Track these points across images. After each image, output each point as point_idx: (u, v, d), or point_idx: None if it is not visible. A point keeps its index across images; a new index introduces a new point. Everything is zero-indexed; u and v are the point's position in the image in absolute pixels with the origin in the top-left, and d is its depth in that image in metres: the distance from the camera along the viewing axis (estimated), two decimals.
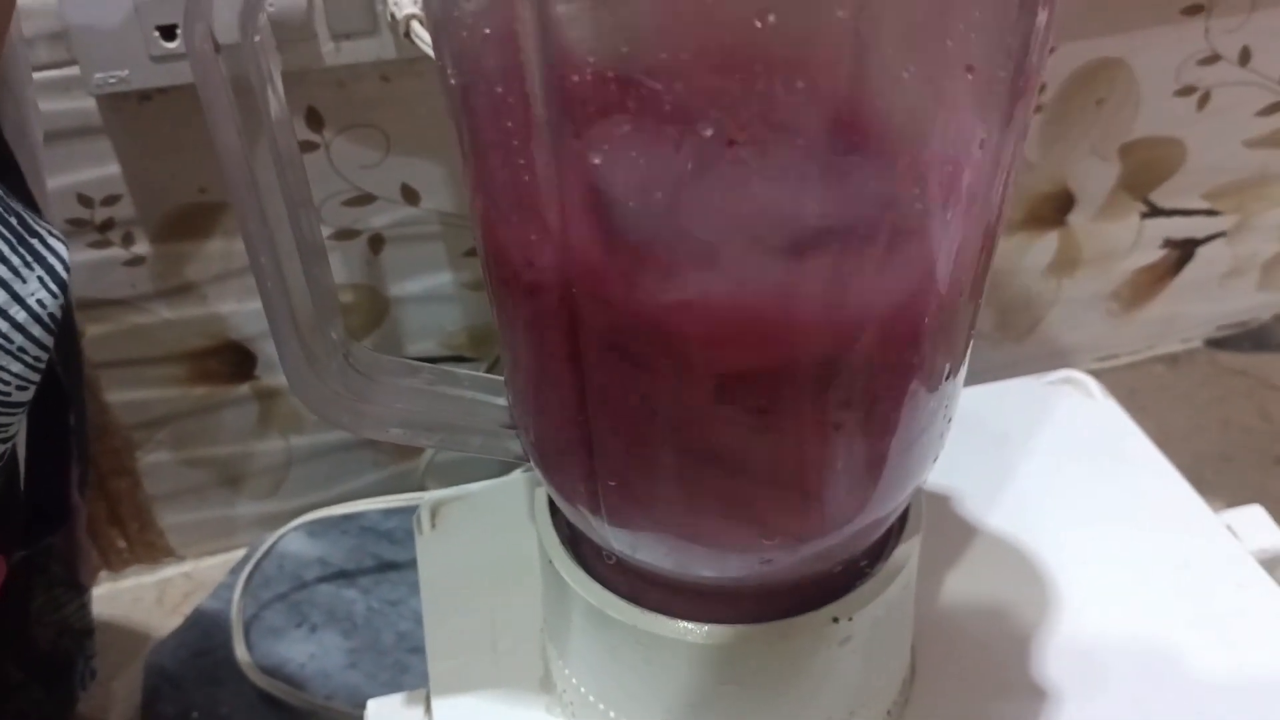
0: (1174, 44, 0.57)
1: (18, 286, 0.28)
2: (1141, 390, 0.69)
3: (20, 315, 0.28)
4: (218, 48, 0.25)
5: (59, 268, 0.29)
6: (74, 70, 0.45)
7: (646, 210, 0.21)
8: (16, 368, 0.28)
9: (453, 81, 0.24)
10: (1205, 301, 0.69)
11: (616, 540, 0.29)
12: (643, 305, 0.23)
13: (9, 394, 0.29)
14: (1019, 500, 0.42)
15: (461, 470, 0.62)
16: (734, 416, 0.24)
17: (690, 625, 0.30)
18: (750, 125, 0.20)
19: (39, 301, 0.29)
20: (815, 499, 0.27)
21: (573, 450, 0.28)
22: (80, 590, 0.46)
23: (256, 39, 0.25)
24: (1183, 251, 0.66)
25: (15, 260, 0.28)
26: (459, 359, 0.58)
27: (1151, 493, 0.43)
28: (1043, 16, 0.22)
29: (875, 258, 0.23)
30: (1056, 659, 0.37)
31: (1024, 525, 0.41)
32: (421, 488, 0.61)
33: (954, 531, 0.41)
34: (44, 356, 0.29)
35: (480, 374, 0.32)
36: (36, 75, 0.45)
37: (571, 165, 0.21)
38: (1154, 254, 0.66)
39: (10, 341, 0.28)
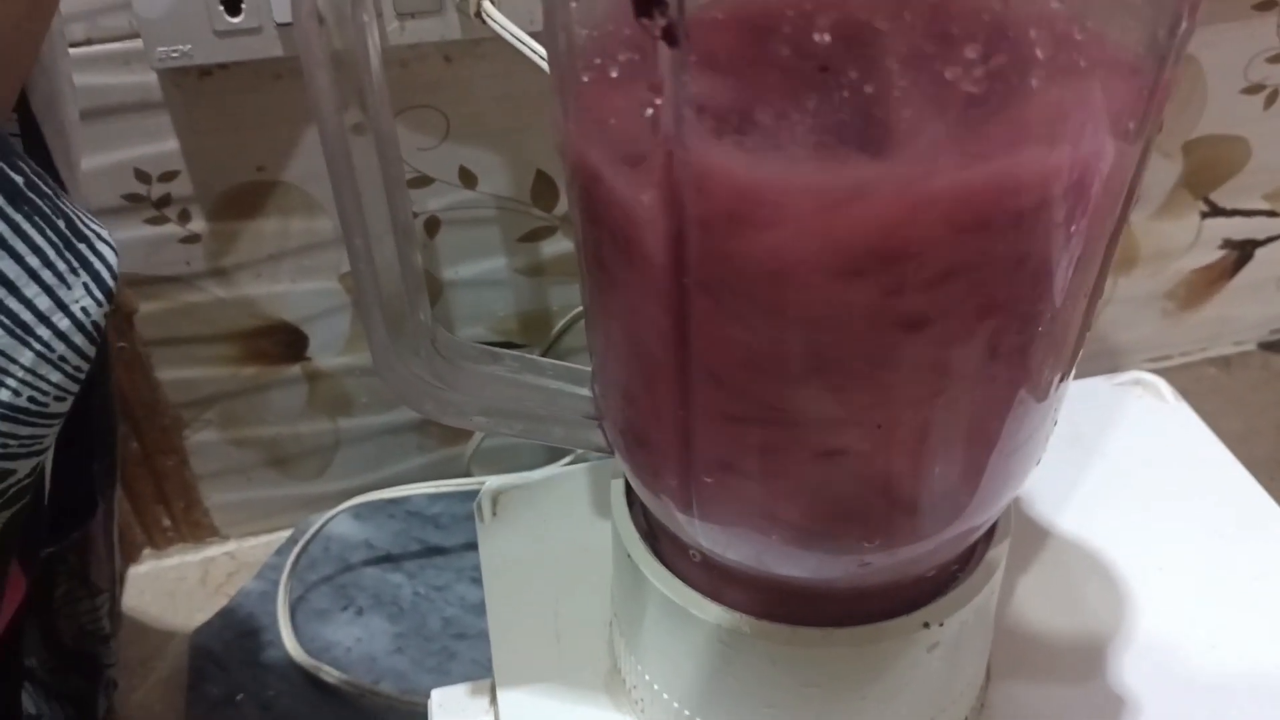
0: (1243, 40, 0.56)
1: (62, 293, 0.27)
2: (1193, 392, 0.67)
3: (64, 323, 0.27)
4: (322, 20, 0.24)
5: (105, 275, 0.28)
6: (136, 43, 0.45)
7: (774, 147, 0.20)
8: (56, 377, 0.27)
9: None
10: (1261, 304, 0.68)
11: (705, 537, 0.29)
12: (768, 262, 0.22)
13: (46, 405, 0.27)
14: (1092, 502, 0.42)
15: (507, 457, 0.61)
16: (850, 415, 0.24)
17: (777, 626, 0.30)
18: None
19: (83, 309, 0.27)
20: (920, 501, 0.26)
21: (666, 444, 0.27)
22: (93, 591, 0.45)
23: (365, 18, 0.24)
24: (1241, 252, 0.65)
25: (61, 265, 0.27)
26: (509, 345, 0.58)
27: (1226, 498, 0.42)
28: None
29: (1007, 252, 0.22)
30: (1131, 666, 0.37)
31: (1097, 528, 0.41)
32: (467, 473, 0.60)
33: (1027, 534, 0.40)
34: (84, 367, 0.28)
35: (564, 363, 0.32)
36: (98, 48, 0.45)
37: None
38: (1212, 254, 0.65)
39: (52, 350, 0.27)
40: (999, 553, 0.31)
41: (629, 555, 0.32)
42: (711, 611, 0.31)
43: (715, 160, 0.21)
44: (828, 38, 0.18)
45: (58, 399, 0.27)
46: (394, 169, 0.27)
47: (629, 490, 0.34)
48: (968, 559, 0.31)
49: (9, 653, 0.37)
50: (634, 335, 0.26)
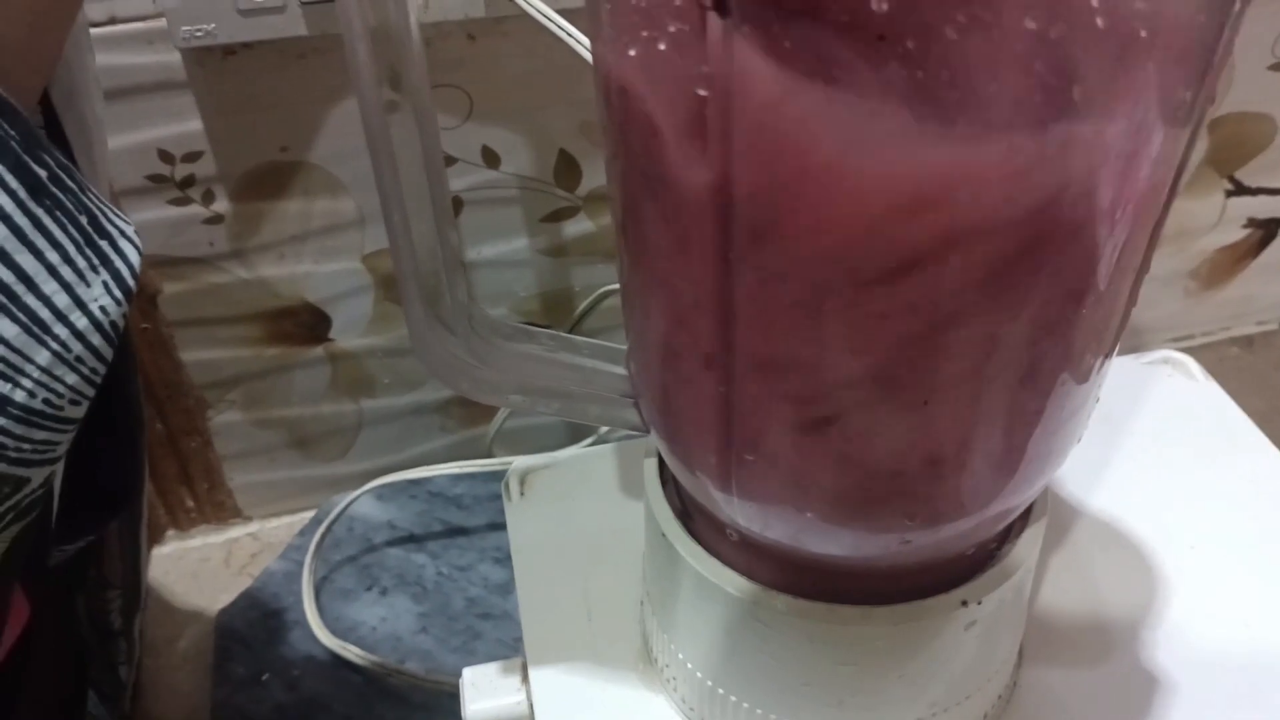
0: (1270, 17, 0.56)
1: (81, 290, 0.25)
2: (1216, 372, 0.67)
3: (81, 322, 0.26)
4: None
5: (126, 274, 0.27)
6: (160, 23, 0.45)
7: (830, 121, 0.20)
8: (72, 379, 0.26)
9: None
10: None
11: (744, 515, 0.29)
12: (814, 234, 0.21)
13: (61, 408, 0.26)
14: (1122, 481, 0.41)
15: (530, 438, 0.61)
16: (896, 389, 0.24)
17: (813, 603, 0.30)
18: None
19: (102, 308, 0.26)
20: (963, 478, 0.26)
21: (706, 422, 0.27)
22: (104, 584, 0.44)
23: None
24: (1266, 231, 0.65)
25: (81, 262, 0.26)
26: (531, 325, 0.58)
27: (1258, 476, 0.42)
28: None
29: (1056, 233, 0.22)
30: (1164, 645, 0.37)
31: (1129, 507, 0.40)
32: (489, 454, 0.60)
33: (1058, 513, 0.40)
34: (101, 370, 0.27)
35: (600, 342, 0.32)
36: (122, 28, 0.45)
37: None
38: (1236, 233, 0.65)
39: (69, 350, 0.25)
40: (1036, 531, 0.31)
41: (663, 534, 0.32)
42: (747, 589, 0.30)
43: (770, 125, 0.21)
44: (885, 6, 0.18)
45: (73, 402, 0.26)
46: (432, 145, 0.27)
47: (662, 469, 0.33)
48: (1005, 537, 0.31)
49: (13, 679, 0.37)
50: (675, 312, 0.26)
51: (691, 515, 0.32)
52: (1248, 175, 0.62)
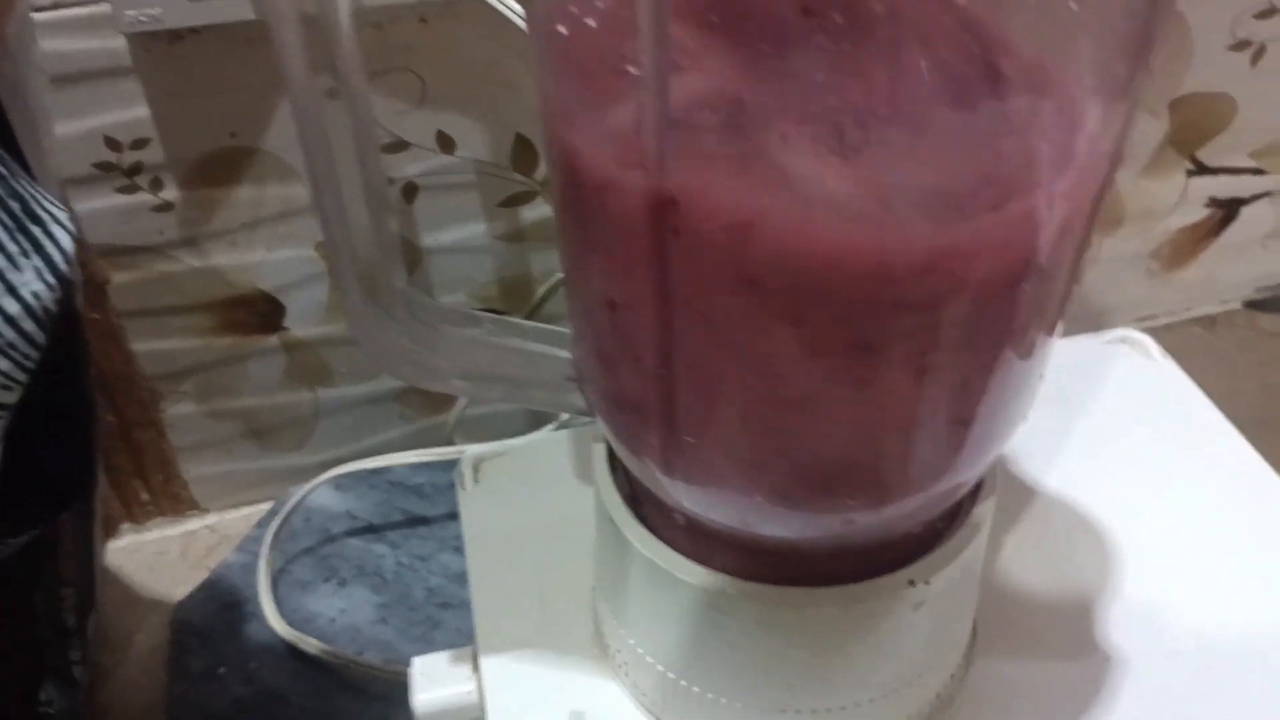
0: None
1: (11, 275, 0.26)
2: (1179, 352, 0.67)
3: (13, 308, 0.26)
4: None
5: (59, 259, 0.27)
6: (105, 7, 0.44)
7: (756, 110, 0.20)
8: (4, 365, 0.26)
9: None
10: (1246, 263, 0.68)
11: (689, 499, 0.28)
12: (742, 226, 0.21)
13: None
14: (1078, 461, 0.41)
15: (490, 425, 0.61)
16: (833, 369, 0.23)
17: (761, 587, 0.29)
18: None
19: (34, 294, 0.26)
20: (905, 458, 0.26)
21: (647, 405, 0.27)
22: (59, 581, 0.43)
23: None
24: (1227, 211, 0.65)
25: (13, 248, 0.26)
26: (490, 312, 0.57)
27: (1214, 455, 0.42)
28: None
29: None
30: (1119, 622, 0.37)
31: (1084, 486, 0.40)
32: (450, 442, 0.59)
33: (1014, 492, 0.40)
34: (34, 355, 0.27)
35: (544, 325, 0.31)
36: (65, 12, 0.44)
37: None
38: (1198, 213, 0.65)
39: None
40: (985, 510, 0.31)
41: (611, 519, 0.32)
42: (695, 574, 0.30)
43: (694, 125, 0.20)
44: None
45: (4, 387, 0.26)
46: (367, 131, 0.27)
47: (611, 454, 0.33)
48: (953, 517, 0.31)
49: None
50: (613, 294, 0.25)
51: (640, 501, 0.32)
52: (1209, 155, 0.62)
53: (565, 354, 0.31)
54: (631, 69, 0.21)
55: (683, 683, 0.33)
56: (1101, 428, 0.43)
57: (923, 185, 0.21)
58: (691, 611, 0.31)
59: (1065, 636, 0.36)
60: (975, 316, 0.24)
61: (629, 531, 0.31)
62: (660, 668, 0.33)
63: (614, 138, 0.22)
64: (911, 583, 0.29)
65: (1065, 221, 0.24)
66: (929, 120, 0.20)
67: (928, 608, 0.30)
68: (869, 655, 0.31)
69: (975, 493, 0.31)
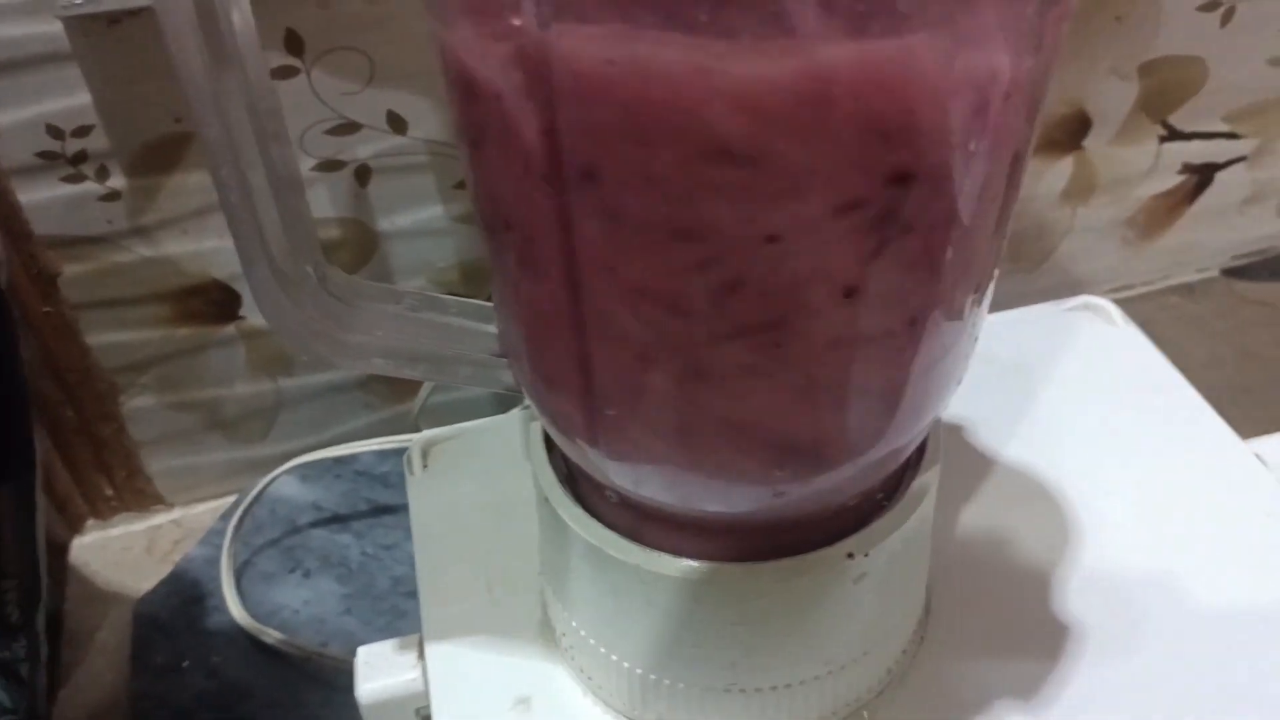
0: None
1: None
2: (1158, 320, 0.66)
3: None
4: None
5: None
6: None
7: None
8: None
9: None
10: (1223, 229, 0.67)
11: (617, 474, 0.27)
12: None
13: None
14: (1039, 430, 0.40)
15: (457, 411, 0.60)
16: (747, 328, 0.22)
17: (696, 563, 0.29)
18: None
19: None
20: (831, 424, 0.25)
21: (567, 377, 0.26)
22: None
23: None
24: (1201, 177, 0.64)
25: None
26: (452, 296, 0.56)
27: (1177, 421, 0.41)
28: None
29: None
30: (1079, 592, 0.36)
31: (1044, 455, 0.39)
32: (416, 429, 0.59)
33: (970, 463, 0.39)
34: None
35: (467, 300, 0.30)
36: None
37: None
38: (1172, 179, 0.63)
39: None
40: (927, 480, 0.30)
41: (547, 499, 0.31)
42: (632, 553, 0.29)
43: (576, 36, 0.19)
44: None
45: None
46: (270, 120, 0.26)
47: (547, 434, 0.32)
48: (895, 487, 0.30)
49: None
50: (524, 257, 0.25)
51: (576, 480, 0.31)
52: (1181, 120, 0.61)
53: (492, 328, 0.30)
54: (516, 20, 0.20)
55: (625, 664, 0.32)
56: (1063, 395, 0.42)
57: None
58: (629, 590, 0.30)
59: (1023, 609, 0.36)
60: (897, 274, 0.23)
61: (564, 512, 0.31)
62: (603, 650, 0.32)
63: (500, 60, 0.21)
64: (850, 555, 0.28)
65: (985, 177, 0.23)
66: (812, 54, 0.19)
67: (870, 581, 0.29)
68: (812, 630, 0.30)
69: (918, 463, 0.30)
